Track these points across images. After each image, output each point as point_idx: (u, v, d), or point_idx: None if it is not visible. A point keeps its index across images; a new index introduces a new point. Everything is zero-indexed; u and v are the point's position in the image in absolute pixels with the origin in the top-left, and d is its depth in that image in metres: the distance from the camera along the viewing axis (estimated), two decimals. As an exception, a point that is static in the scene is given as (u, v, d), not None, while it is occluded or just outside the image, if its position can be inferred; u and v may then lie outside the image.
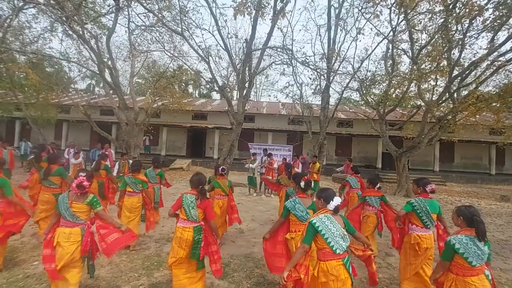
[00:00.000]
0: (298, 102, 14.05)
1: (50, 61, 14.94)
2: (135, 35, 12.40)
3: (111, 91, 12.13)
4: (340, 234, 2.45)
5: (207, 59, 11.91)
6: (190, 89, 32.68)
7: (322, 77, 12.21)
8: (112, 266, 4.04)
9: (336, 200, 2.52)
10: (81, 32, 9.77)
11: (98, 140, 14.97)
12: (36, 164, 5.66)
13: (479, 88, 9.64)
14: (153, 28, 11.55)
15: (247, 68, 11.72)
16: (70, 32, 10.33)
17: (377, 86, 11.49)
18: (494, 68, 8.81)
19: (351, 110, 18.33)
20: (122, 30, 18.64)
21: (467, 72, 9.79)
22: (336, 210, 2.55)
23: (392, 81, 11.00)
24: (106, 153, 7.88)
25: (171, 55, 12.49)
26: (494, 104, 8.81)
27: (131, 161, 9.92)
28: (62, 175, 4.71)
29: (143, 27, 11.58)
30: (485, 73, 9.27)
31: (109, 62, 10.69)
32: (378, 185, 4.75)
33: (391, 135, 16.32)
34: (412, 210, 3.43)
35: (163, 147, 19.19)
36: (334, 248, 2.41)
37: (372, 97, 12.18)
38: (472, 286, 2.41)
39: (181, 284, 3.11)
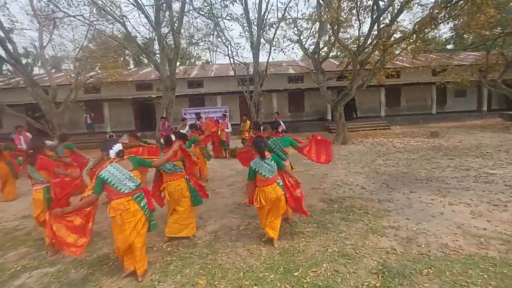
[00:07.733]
0: (235, 61, 13.43)
1: None
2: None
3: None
4: (127, 177, 2.79)
5: (121, 20, 10.76)
6: (122, 58, 29.29)
7: (252, 30, 11.56)
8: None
9: (117, 147, 2.81)
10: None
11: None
12: None
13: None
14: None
15: (169, 29, 10.77)
16: None
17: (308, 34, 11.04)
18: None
19: (302, 66, 17.88)
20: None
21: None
22: (119, 155, 2.83)
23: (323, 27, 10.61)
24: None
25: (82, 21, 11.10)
26: (411, 41, 8.78)
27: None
28: None
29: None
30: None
31: (1, 33, 9.23)
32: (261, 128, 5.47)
33: (334, 85, 16.38)
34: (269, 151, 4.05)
35: (108, 123, 18.15)
36: (120, 190, 2.77)
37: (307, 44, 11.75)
38: (267, 194, 3.30)
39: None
